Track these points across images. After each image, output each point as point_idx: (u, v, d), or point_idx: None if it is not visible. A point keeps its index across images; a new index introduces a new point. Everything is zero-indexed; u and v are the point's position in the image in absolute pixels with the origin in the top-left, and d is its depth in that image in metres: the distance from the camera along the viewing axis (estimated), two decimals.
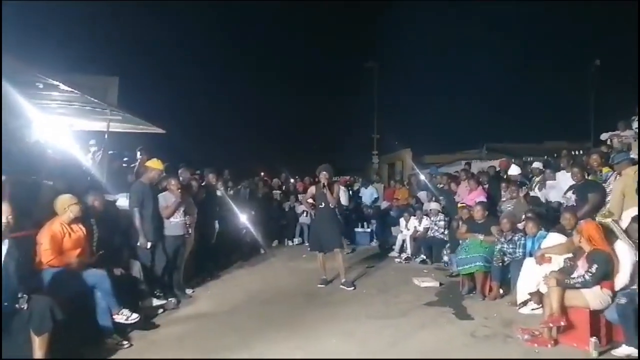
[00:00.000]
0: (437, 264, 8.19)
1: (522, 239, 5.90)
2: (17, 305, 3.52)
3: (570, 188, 6.25)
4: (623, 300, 3.96)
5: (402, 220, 9.55)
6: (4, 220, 3.55)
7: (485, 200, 7.61)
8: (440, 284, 6.79)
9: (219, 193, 7.95)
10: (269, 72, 27.06)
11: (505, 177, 8.59)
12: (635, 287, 4.07)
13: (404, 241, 9.19)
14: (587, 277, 4.19)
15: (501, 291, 5.94)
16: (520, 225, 6.16)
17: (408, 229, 9.19)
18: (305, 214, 10.75)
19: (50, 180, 5.43)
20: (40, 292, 3.82)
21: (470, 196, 8.33)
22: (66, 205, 4.54)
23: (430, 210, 8.82)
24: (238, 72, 25.66)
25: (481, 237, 6.39)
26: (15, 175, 4.64)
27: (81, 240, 4.66)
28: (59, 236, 4.47)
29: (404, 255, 8.95)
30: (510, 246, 5.96)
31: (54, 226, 4.48)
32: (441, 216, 8.63)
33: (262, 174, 14.45)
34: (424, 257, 8.57)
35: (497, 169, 9.51)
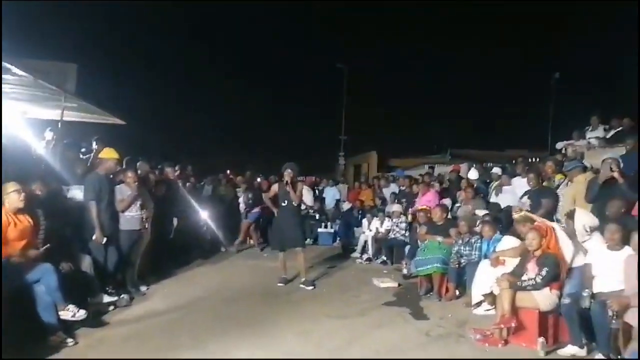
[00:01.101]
0: (397, 265, 8.27)
1: (479, 241, 6.04)
2: None
3: (526, 193, 6.43)
4: (567, 301, 4.10)
5: (364, 221, 9.62)
6: None
7: (438, 202, 7.80)
8: (399, 285, 6.86)
9: (171, 194, 7.70)
10: (238, 69, 26.67)
11: (461, 181, 8.85)
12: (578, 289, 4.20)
13: (365, 242, 9.25)
14: (538, 280, 4.33)
15: (457, 292, 6.05)
16: (477, 229, 6.29)
17: (370, 230, 9.25)
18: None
19: None
20: None
21: (424, 198, 8.52)
22: (11, 191, 4.30)
23: (393, 212, 8.91)
24: (205, 68, 25.13)
25: (440, 239, 6.50)
26: None
27: (27, 231, 4.42)
28: (3, 226, 4.23)
29: (365, 256, 9.00)
30: (467, 248, 6.08)
31: None
32: (402, 218, 8.73)
33: (228, 171, 14.23)
34: (385, 258, 8.64)
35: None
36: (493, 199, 7.56)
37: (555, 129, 17.82)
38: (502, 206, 7.05)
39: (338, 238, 10.85)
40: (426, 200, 8.49)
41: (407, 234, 8.44)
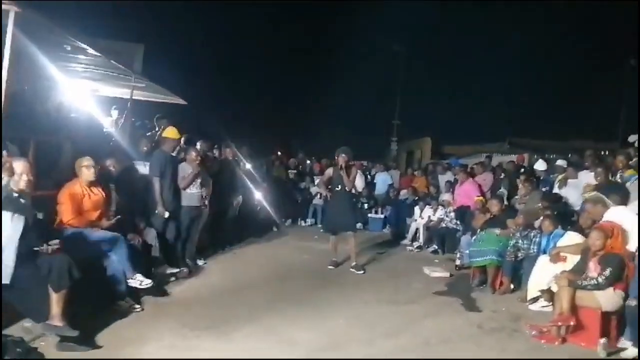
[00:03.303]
0: (449, 255, 8.14)
1: (538, 235, 5.83)
2: (41, 248, 3.60)
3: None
4: (634, 303, 3.90)
5: (416, 209, 9.49)
6: (24, 178, 3.60)
7: (478, 193, 7.66)
8: (451, 275, 6.77)
9: (238, 167, 7.96)
10: (297, 50, 26.64)
11: (522, 172, 8.51)
12: None
13: (417, 229, 9.16)
14: (600, 280, 4.13)
15: (512, 286, 5.89)
16: (536, 222, 6.07)
17: (422, 218, 9.14)
18: (319, 196, 10.74)
19: (72, 142, 5.51)
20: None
21: (461, 188, 8.30)
22: (83, 166, 4.61)
23: (444, 200, 8.73)
24: (264, 50, 25.33)
25: (497, 231, 6.30)
26: (39, 136, 4.73)
27: (100, 203, 4.74)
28: (79, 197, 4.55)
29: (415, 244, 8.93)
30: (525, 242, 5.88)
31: (74, 187, 4.56)
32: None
33: (279, 152, 14.44)
34: (436, 247, 8.53)
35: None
36: (557, 192, 7.22)
37: (628, 120, 16.60)
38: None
39: (388, 224, 10.82)
40: (463, 191, 8.32)
41: (459, 223, 8.27)
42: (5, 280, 3.37)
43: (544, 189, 7.44)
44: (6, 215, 3.41)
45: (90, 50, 5.84)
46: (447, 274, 6.77)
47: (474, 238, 6.66)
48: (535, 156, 11.22)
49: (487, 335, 4.44)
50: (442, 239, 8.54)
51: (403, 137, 22.33)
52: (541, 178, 7.77)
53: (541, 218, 5.92)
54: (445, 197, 8.86)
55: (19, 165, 3.61)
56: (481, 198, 7.50)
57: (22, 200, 3.59)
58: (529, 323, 4.56)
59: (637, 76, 14.77)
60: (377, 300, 5.39)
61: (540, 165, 8.52)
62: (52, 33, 4.96)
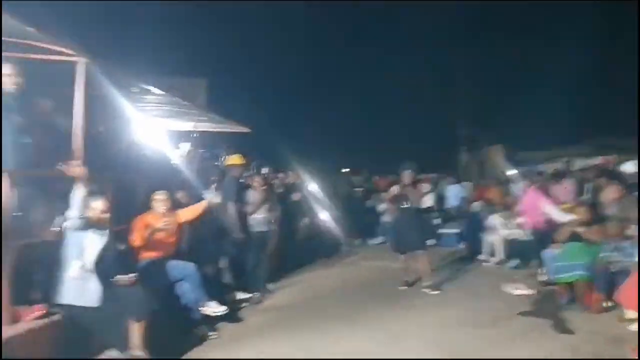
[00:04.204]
0: (531, 270, 7.55)
1: (632, 247, 5.22)
2: (118, 278, 3.80)
3: None
4: None
5: (493, 221, 8.94)
6: (101, 215, 3.83)
7: (543, 202, 6.88)
8: (536, 292, 6.24)
9: (295, 196, 8.00)
10: (354, 65, 26.68)
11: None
12: None
13: (494, 244, 8.62)
14: None
15: (606, 304, 5.30)
16: (630, 232, 5.45)
17: (500, 231, 8.59)
18: (387, 213, 10.51)
19: (145, 178, 5.82)
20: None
21: (525, 200, 7.46)
22: (156, 199, 4.82)
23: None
24: (322, 69, 25.67)
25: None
26: (115, 174, 5.05)
27: (173, 234, 4.92)
28: (151, 227, 4.76)
29: (493, 260, 8.39)
30: (617, 254, 5.30)
31: (147, 217, 4.78)
32: None
33: (344, 170, 14.41)
34: (517, 263, 7.96)
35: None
36: None
37: None
38: None
39: (462, 240, 10.31)
40: (527, 202, 7.51)
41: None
42: (93, 303, 3.58)
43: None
44: (78, 235, 3.63)
45: (155, 90, 6.20)
46: (531, 292, 6.25)
47: (558, 251, 6.12)
48: (623, 158, 10.23)
49: None
50: (522, 253, 7.96)
51: (473, 146, 21.45)
52: (629, 182, 7.02)
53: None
54: None
55: (99, 203, 3.84)
56: (568, 205, 6.90)
57: (99, 229, 3.81)
58: (632, 346, 4.04)
59: None
60: (455, 322, 5.07)
61: (629, 167, 7.71)
62: (120, 78, 5.33)
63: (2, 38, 3.81)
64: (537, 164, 14.39)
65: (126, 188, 5.24)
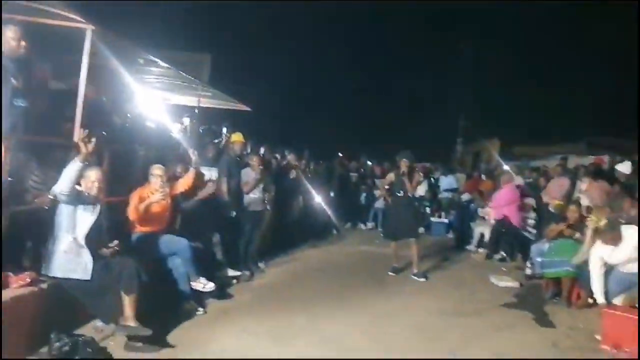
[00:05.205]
0: (518, 263, 7.68)
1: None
2: (101, 251, 3.82)
3: None
4: None
5: (483, 213, 9.03)
6: (96, 185, 3.82)
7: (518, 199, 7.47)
8: (520, 285, 6.37)
9: (292, 174, 8.02)
10: (355, 51, 26.49)
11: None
12: None
13: (482, 235, 8.73)
14: None
15: (590, 300, 5.42)
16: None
17: (489, 222, 8.67)
18: (381, 199, 10.59)
19: (143, 149, 5.81)
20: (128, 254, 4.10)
21: (500, 195, 8.00)
22: (153, 173, 4.81)
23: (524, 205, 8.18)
24: (325, 54, 25.44)
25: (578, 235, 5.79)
26: (114, 145, 5.03)
27: (167, 208, 4.93)
28: (147, 200, 4.75)
29: (482, 250, 8.52)
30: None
31: (144, 190, 4.76)
32: (532, 214, 8.00)
33: (340, 154, 14.40)
34: (504, 254, 8.08)
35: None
36: None
37: None
38: None
39: (452, 229, 10.43)
40: (502, 197, 7.91)
41: (533, 232, 7.77)
42: (86, 276, 3.60)
43: None
44: (70, 208, 3.65)
45: (161, 63, 6.15)
46: (516, 284, 6.38)
47: (547, 246, 6.21)
48: (619, 157, 10.29)
49: (563, 354, 4.10)
50: (510, 245, 8.08)
51: (469, 138, 21.48)
52: (623, 182, 7.11)
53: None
54: (527, 201, 8.31)
55: (92, 173, 3.84)
56: (560, 203, 6.99)
57: (93, 203, 3.82)
58: (613, 342, 4.15)
59: None
60: (439, 310, 5.17)
61: (624, 168, 7.76)
62: (126, 48, 5.28)
63: None
64: (532, 159, 14.46)
65: (124, 159, 5.24)
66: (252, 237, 6.44)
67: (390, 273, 6.68)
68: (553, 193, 7.66)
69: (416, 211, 7.17)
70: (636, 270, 4.27)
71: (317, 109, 24.14)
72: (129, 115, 6.59)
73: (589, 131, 17.69)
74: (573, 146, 16.26)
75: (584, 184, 7.46)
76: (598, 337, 4.37)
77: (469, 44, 20.84)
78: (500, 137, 19.21)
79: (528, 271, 6.79)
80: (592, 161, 10.09)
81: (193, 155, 5.19)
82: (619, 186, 6.90)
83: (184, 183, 5.14)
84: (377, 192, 10.99)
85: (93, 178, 3.82)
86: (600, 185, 7.34)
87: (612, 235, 4.27)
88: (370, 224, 11.15)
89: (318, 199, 9.13)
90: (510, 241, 8.08)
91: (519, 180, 9.80)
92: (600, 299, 4.37)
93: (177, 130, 7.64)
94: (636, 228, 4.37)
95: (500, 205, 8.04)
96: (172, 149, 6.62)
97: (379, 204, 10.87)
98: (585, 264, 5.39)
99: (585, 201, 6.72)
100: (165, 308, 4.44)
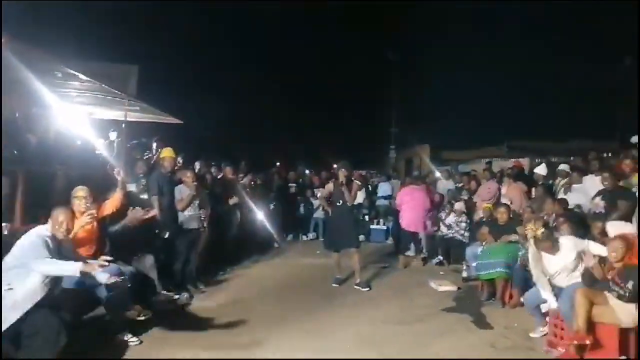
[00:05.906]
0: (454, 266, 7.98)
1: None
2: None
3: (599, 193, 5.97)
4: None
5: None
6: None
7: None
8: (458, 288, 6.60)
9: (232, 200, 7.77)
10: (286, 61, 26.65)
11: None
12: None
13: (420, 240, 8.97)
14: (622, 292, 3.95)
15: (522, 299, 5.71)
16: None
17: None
18: (320, 209, 10.60)
19: (64, 168, 5.37)
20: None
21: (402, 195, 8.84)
22: (76, 196, 4.44)
23: (454, 210, 8.53)
24: (254, 64, 25.32)
25: (511, 237, 6.09)
26: (30, 167, 4.59)
27: (93, 233, 4.57)
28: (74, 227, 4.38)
29: (420, 256, 8.75)
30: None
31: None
32: (464, 217, 8.35)
33: (278, 164, 14.28)
34: (441, 259, 8.37)
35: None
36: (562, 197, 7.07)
37: (625, 119, 16.38)
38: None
39: (390, 235, 10.66)
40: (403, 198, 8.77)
41: (466, 234, 8.10)
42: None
43: None
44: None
45: (82, 76, 5.73)
46: (454, 288, 6.60)
47: (480, 250, 6.50)
48: (537, 160, 11.06)
49: (502, 354, 4.27)
50: (446, 249, 8.38)
51: (401, 144, 22.20)
52: (540, 183, 7.65)
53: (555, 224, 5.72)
54: (457, 205, 8.64)
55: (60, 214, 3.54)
56: (489, 206, 7.33)
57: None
58: (546, 340, 4.39)
59: (635, 74, 14.64)
60: (384, 319, 5.22)
61: (541, 170, 8.34)
62: (42, 60, 4.85)
63: None
64: (460, 164, 15.19)
65: (43, 182, 4.79)
66: (189, 257, 6.15)
67: (334, 285, 6.66)
68: (482, 196, 8.05)
69: (356, 221, 7.21)
70: (566, 283, 4.51)
71: (251, 118, 23.87)
72: (46, 132, 6.07)
73: (508, 136, 18.97)
74: (496, 150, 17.34)
75: (504, 187, 7.97)
76: (532, 335, 4.62)
77: (397, 55, 21.61)
78: (430, 143, 20.02)
79: (464, 274, 7.06)
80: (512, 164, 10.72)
81: (118, 175, 4.87)
82: (541, 188, 7.37)
83: (110, 205, 4.80)
84: (315, 202, 11.00)
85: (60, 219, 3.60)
86: (518, 187, 7.88)
87: (548, 244, 4.51)
88: (311, 235, 11.11)
89: (257, 211, 8.95)
90: (446, 245, 8.35)
91: (449, 185, 10.27)
92: (553, 304, 4.52)
93: (102, 146, 7.16)
94: (572, 238, 4.64)
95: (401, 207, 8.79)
96: (97, 168, 6.17)
97: (319, 214, 10.88)
98: (515, 264, 5.71)
99: (507, 202, 7.14)
100: (98, 342, 4.10)
